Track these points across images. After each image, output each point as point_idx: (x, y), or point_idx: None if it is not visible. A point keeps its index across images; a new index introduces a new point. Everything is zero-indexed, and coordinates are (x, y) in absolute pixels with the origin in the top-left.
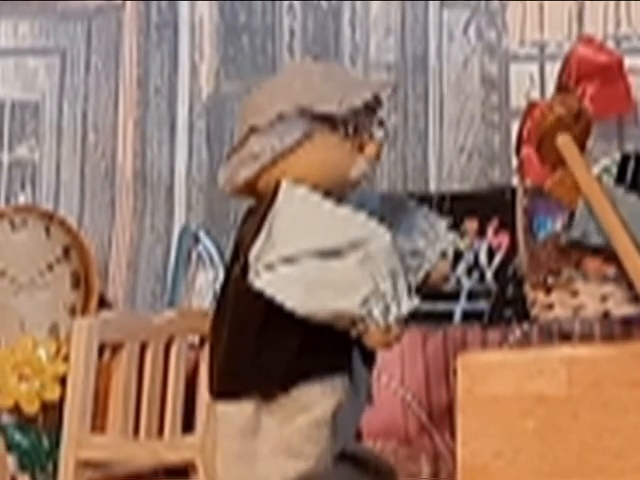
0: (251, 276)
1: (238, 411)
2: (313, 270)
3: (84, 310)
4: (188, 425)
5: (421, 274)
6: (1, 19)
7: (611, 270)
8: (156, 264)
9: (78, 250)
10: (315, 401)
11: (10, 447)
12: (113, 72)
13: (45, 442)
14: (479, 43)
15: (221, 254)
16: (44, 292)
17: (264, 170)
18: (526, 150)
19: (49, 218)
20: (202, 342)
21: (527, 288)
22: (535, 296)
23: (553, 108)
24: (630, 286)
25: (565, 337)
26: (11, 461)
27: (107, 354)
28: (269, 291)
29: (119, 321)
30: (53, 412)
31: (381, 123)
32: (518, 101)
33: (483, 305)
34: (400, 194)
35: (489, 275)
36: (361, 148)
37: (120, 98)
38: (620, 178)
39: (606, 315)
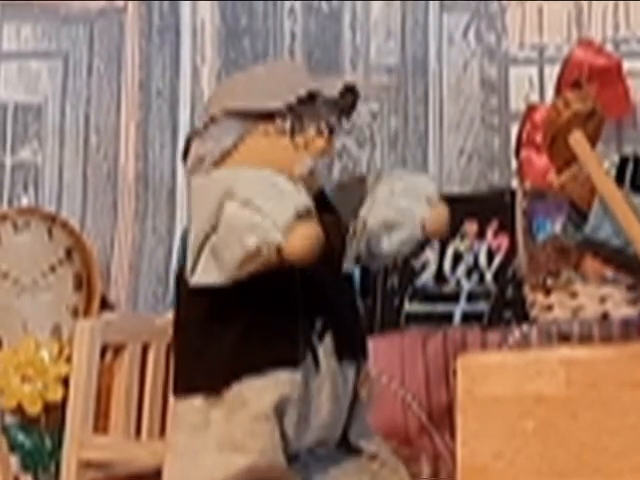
0: (187, 277)
1: (188, 408)
2: (213, 244)
3: (86, 311)
4: None
5: (416, 229)
6: (4, 23)
7: (610, 272)
8: (158, 266)
9: (80, 252)
10: (256, 396)
11: (13, 447)
12: (115, 75)
13: (48, 442)
14: (479, 46)
15: None
16: (47, 294)
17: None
18: (525, 152)
19: (52, 220)
20: None
21: (526, 289)
22: (534, 297)
23: (568, 106)
24: (629, 288)
25: (564, 338)
26: (14, 461)
27: (109, 355)
28: (200, 282)
29: (121, 322)
30: (56, 413)
31: (344, 119)
32: (517, 104)
33: (483, 306)
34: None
35: (489, 277)
36: (305, 145)
37: (122, 101)
38: (619, 180)
39: (605, 316)
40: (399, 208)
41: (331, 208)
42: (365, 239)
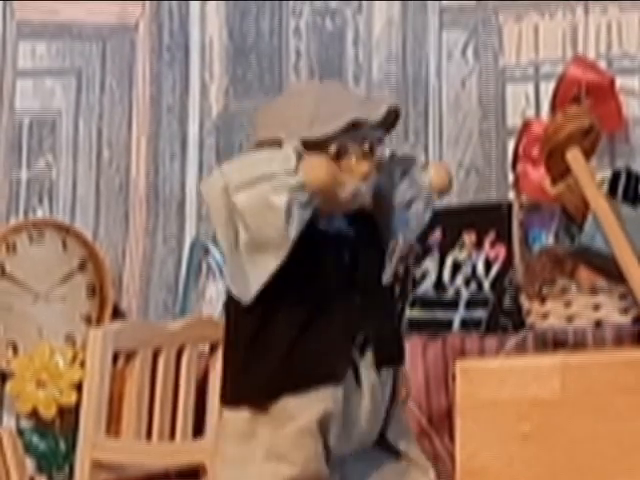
0: (234, 293)
1: (236, 417)
2: (244, 243)
3: (99, 319)
4: (199, 429)
5: (427, 193)
6: (20, 41)
7: (603, 281)
8: (168, 275)
9: (93, 262)
10: (300, 411)
11: (28, 450)
12: (127, 91)
13: (62, 445)
14: (477, 63)
15: None
16: (61, 302)
17: None
18: (522, 166)
19: (66, 231)
20: (212, 350)
21: (523, 298)
22: (530, 306)
23: (568, 122)
24: (621, 296)
25: (559, 345)
26: (29, 463)
27: (121, 361)
28: (252, 291)
29: (133, 330)
30: (69, 416)
31: (380, 139)
32: (514, 119)
33: (481, 314)
34: None
35: (486, 285)
36: (349, 170)
37: (134, 116)
38: (611, 193)
39: (598, 324)
40: (409, 188)
41: (374, 224)
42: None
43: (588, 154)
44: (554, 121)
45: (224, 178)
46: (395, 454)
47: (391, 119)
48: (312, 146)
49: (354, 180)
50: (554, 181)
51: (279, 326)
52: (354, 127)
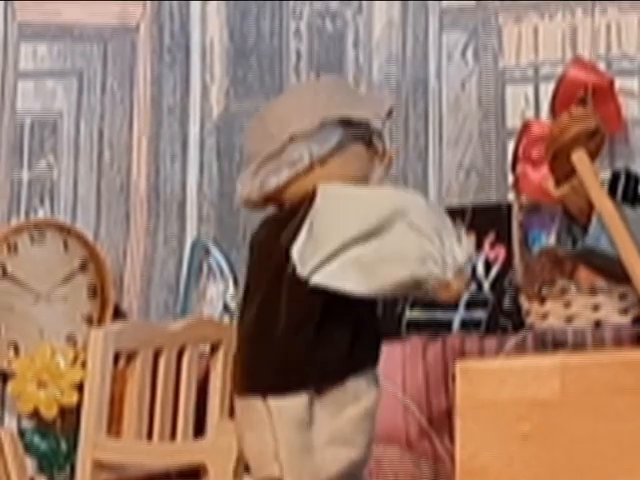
0: (306, 274)
1: (293, 404)
2: (365, 252)
3: (100, 320)
4: (199, 429)
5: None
6: (21, 43)
7: (602, 282)
8: (169, 276)
9: (94, 262)
10: (363, 392)
11: (29, 450)
12: (128, 92)
13: (63, 445)
14: (477, 65)
15: (231, 266)
16: (62, 302)
17: (297, 177)
18: (521, 167)
19: (67, 232)
20: (213, 350)
21: (522, 298)
22: (530, 306)
23: (573, 124)
24: (621, 297)
25: (559, 345)
26: (30, 464)
27: (122, 362)
28: (325, 282)
29: (133, 330)
30: (71, 417)
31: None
32: (514, 120)
33: (481, 314)
34: None
35: (486, 286)
36: (380, 156)
37: (135, 117)
38: (611, 194)
39: (598, 324)
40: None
41: None
42: None
43: (593, 156)
44: (560, 122)
45: (405, 206)
46: None
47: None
48: (356, 130)
49: (382, 168)
50: (558, 182)
51: (345, 309)
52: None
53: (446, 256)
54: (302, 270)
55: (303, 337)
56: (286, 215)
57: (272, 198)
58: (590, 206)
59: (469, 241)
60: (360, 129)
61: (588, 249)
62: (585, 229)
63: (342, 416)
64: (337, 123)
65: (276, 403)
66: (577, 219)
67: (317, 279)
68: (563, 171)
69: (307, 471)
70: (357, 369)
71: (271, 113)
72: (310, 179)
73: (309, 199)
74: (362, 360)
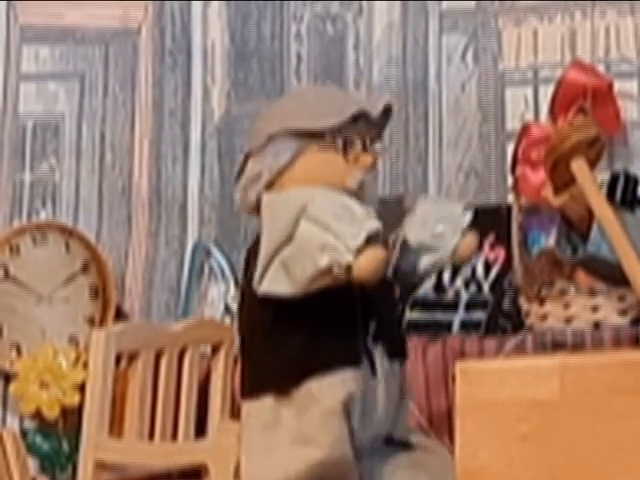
0: (255, 286)
1: (259, 408)
2: (285, 256)
3: (102, 321)
4: (201, 430)
5: (448, 252)
6: (23, 45)
7: (601, 284)
8: (170, 277)
9: (96, 264)
10: (325, 393)
11: (32, 450)
12: (129, 95)
13: (65, 446)
14: (476, 67)
15: (232, 268)
16: (64, 303)
17: (268, 189)
18: (521, 169)
19: (69, 233)
20: (214, 351)
21: (522, 299)
22: (529, 307)
23: (573, 133)
24: (619, 298)
25: (558, 346)
26: (32, 464)
27: (124, 362)
28: (267, 291)
29: (135, 331)
30: (73, 417)
31: (379, 136)
32: (513, 122)
33: (480, 315)
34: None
35: (486, 287)
36: (355, 160)
37: (136, 119)
38: (610, 196)
39: (597, 325)
40: (435, 233)
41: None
42: (400, 255)
43: (593, 164)
44: (560, 132)
45: (308, 202)
46: (408, 447)
47: (385, 117)
48: (318, 136)
49: (360, 172)
50: (557, 191)
51: (299, 313)
52: (356, 120)
53: (344, 240)
54: (254, 283)
55: (257, 344)
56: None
57: (256, 209)
58: (590, 214)
59: (369, 213)
60: (325, 136)
61: (590, 256)
62: (584, 236)
63: (304, 417)
64: (288, 135)
65: (245, 408)
66: (576, 226)
67: (261, 288)
68: (562, 180)
69: (264, 470)
70: (315, 371)
71: (252, 126)
72: (277, 190)
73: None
74: (321, 362)
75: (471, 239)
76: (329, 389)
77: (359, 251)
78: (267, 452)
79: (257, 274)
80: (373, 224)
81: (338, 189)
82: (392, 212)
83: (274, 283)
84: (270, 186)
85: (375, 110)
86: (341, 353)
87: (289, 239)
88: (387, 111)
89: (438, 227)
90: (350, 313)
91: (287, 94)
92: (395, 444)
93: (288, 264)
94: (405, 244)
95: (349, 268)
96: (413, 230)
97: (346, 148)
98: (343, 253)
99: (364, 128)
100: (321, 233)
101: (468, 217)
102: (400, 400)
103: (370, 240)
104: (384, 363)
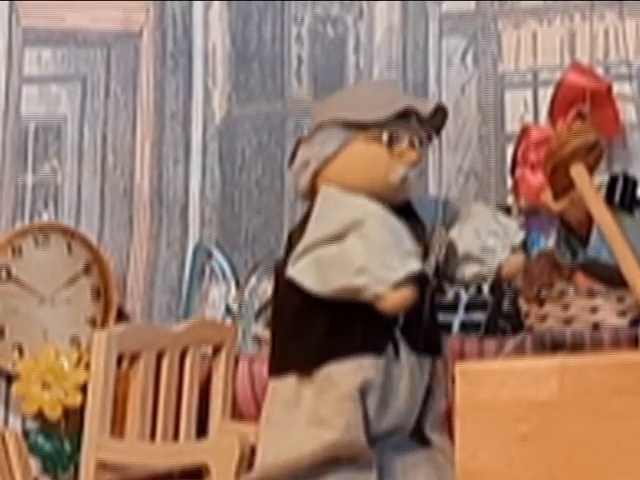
0: (287, 268)
1: (283, 385)
2: (324, 254)
3: (104, 322)
4: (202, 430)
5: (494, 268)
6: (26, 48)
7: (600, 285)
8: (171, 279)
9: (98, 265)
10: (343, 377)
11: (34, 451)
12: (131, 97)
13: (67, 446)
14: (476, 70)
15: (233, 269)
16: (66, 305)
17: (316, 176)
18: (520, 171)
19: (71, 235)
20: (215, 352)
21: (521, 301)
22: (529, 308)
23: (572, 138)
24: (618, 299)
25: (557, 347)
26: (34, 464)
27: (125, 363)
28: (294, 277)
29: (136, 332)
30: (75, 418)
31: (429, 137)
32: (512, 125)
33: (480, 317)
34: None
35: (486, 288)
36: (400, 155)
37: (138, 122)
38: (608, 198)
39: (596, 326)
40: (485, 246)
41: (415, 215)
42: (446, 257)
43: (592, 169)
44: (559, 137)
45: (363, 218)
46: (429, 445)
47: (439, 121)
48: (366, 128)
49: (403, 167)
50: (556, 196)
51: (325, 299)
52: (405, 117)
53: (385, 271)
54: (288, 264)
55: (285, 325)
56: (303, 214)
57: (311, 194)
58: (589, 218)
59: (417, 252)
60: (372, 129)
61: (590, 260)
62: (583, 240)
63: (323, 398)
64: (336, 125)
65: (271, 385)
66: (576, 231)
67: (290, 271)
68: (562, 185)
69: (279, 446)
70: (337, 354)
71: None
72: (326, 178)
73: (313, 198)
74: (342, 347)
75: (518, 258)
76: (347, 374)
77: (394, 287)
78: (284, 429)
79: (292, 256)
80: (415, 266)
81: (380, 182)
82: (447, 213)
83: (303, 273)
84: (317, 174)
85: (425, 109)
86: (363, 340)
87: (333, 240)
88: (442, 115)
89: (489, 240)
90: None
91: (344, 88)
92: (420, 440)
93: (323, 264)
94: (452, 248)
95: (377, 297)
96: (464, 238)
97: (392, 143)
98: (378, 283)
99: (414, 126)
100: (366, 255)
101: (521, 235)
102: (429, 397)
103: (407, 281)
104: (410, 355)
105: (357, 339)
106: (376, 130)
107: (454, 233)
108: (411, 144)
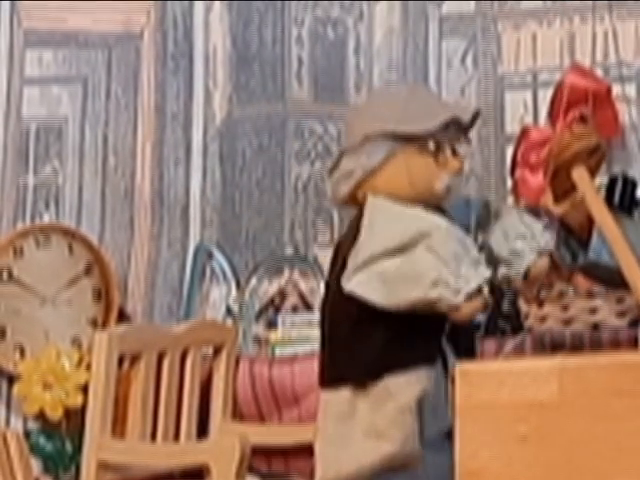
0: (343, 281)
1: (336, 398)
2: (388, 267)
3: (105, 323)
4: (202, 430)
5: (521, 271)
6: (27, 50)
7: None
8: (172, 279)
9: (99, 266)
10: (401, 389)
11: (35, 451)
12: (132, 98)
13: (68, 446)
14: (476, 71)
15: (233, 270)
16: (67, 305)
17: (358, 185)
18: (520, 172)
19: (72, 236)
20: (216, 352)
21: (521, 302)
22: (529, 309)
23: (574, 142)
24: (618, 300)
25: (557, 347)
26: (36, 464)
27: (126, 364)
28: (355, 291)
29: (137, 333)
30: (76, 418)
31: (467, 141)
32: (512, 126)
33: (480, 317)
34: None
35: (485, 289)
36: (445, 164)
37: (139, 123)
38: (608, 199)
39: (595, 327)
40: (513, 249)
41: (451, 217)
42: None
43: (593, 172)
44: (561, 140)
45: (430, 229)
46: None
47: (472, 124)
48: (412, 140)
49: (448, 175)
50: (557, 199)
51: (382, 312)
52: (447, 126)
53: (459, 281)
54: (343, 277)
55: (341, 338)
56: (350, 223)
57: (348, 201)
58: (590, 221)
59: (482, 259)
60: (419, 140)
61: (591, 263)
62: (582, 243)
63: (379, 411)
64: (383, 136)
65: (324, 397)
66: (575, 233)
67: (349, 286)
68: (563, 188)
69: (339, 460)
70: (394, 367)
71: (346, 122)
72: (369, 187)
73: (361, 210)
74: (399, 359)
75: (544, 262)
76: (405, 386)
77: (470, 298)
78: (341, 442)
79: (348, 270)
80: (486, 272)
81: (427, 191)
82: (478, 215)
83: (366, 288)
84: (360, 183)
85: (466, 117)
86: (419, 352)
87: (395, 253)
88: (474, 118)
89: (517, 243)
90: (428, 314)
91: (373, 94)
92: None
93: (389, 278)
94: (489, 250)
95: (452, 307)
96: (494, 241)
97: (437, 152)
98: (455, 294)
99: (453, 133)
100: (439, 267)
101: (547, 238)
102: None
103: (480, 290)
104: (452, 361)
105: (412, 350)
106: (423, 140)
107: (489, 235)
108: (453, 152)
